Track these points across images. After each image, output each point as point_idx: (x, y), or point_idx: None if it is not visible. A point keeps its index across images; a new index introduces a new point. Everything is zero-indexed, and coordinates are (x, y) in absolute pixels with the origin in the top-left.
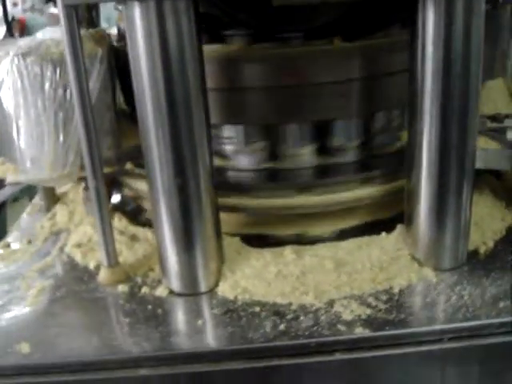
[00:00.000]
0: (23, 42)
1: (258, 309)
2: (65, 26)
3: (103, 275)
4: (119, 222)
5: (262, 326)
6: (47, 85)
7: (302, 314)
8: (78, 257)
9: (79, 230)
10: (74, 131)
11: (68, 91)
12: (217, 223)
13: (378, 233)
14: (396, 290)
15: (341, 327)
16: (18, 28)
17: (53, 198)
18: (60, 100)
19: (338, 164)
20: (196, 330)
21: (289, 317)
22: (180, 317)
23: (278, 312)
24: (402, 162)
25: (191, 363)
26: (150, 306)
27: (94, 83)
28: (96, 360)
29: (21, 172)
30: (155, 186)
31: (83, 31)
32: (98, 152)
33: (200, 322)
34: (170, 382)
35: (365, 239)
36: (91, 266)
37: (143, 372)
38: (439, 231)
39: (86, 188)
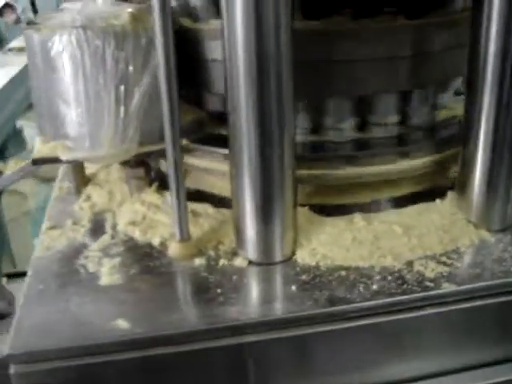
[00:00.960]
0: (79, 13)
1: (344, 273)
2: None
3: (176, 250)
4: None
5: (355, 288)
6: (109, 58)
7: (388, 274)
8: (136, 234)
9: (128, 208)
10: (135, 106)
11: (130, 65)
12: (295, 195)
13: (430, 200)
14: (463, 250)
15: (428, 284)
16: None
17: (83, 179)
18: (122, 74)
19: (384, 138)
20: (292, 295)
21: (377, 278)
22: (271, 284)
23: (364, 274)
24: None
25: (295, 327)
26: (235, 277)
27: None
28: (201, 329)
29: (76, 149)
30: (239, 160)
31: (145, 5)
32: (178, 125)
33: (293, 287)
34: (274, 347)
35: (422, 206)
36: (155, 242)
37: (248, 339)
38: (492, 196)
39: (133, 166)
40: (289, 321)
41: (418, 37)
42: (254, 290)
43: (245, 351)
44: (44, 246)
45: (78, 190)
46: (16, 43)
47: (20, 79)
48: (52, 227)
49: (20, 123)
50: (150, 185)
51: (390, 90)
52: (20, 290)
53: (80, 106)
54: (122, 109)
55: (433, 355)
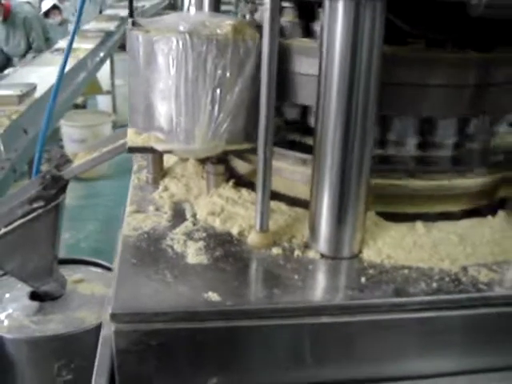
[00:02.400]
0: (184, 20)
1: (406, 271)
2: (270, 14)
3: (255, 239)
4: (249, 195)
5: (417, 284)
6: (209, 64)
7: (445, 275)
8: (216, 223)
9: (206, 200)
10: (227, 108)
11: (227, 72)
12: (367, 200)
13: (482, 216)
14: None
15: (482, 286)
16: (3, 12)
17: (161, 172)
18: (219, 79)
19: (443, 156)
20: (363, 286)
21: (436, 278)
22: (342, 275)
23: (424, 274)
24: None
25: (367, 312)
26: (310, 266)
27: (252, 65)
28: (287, 307)
29: (169, 142)
30: (322, 164)
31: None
32: (272, 127)
33: (363, 279)
34: (346, 329)
35: (476, 220)
36: (234, 231)
37: (324, 319)
38: None
39: (215, 162)
40: (360, 306)
41: (483, 69)
42: (328, 278)
43: (316, 331)
44: (131, 226)
45: (156, 181)
46: (62, 44)
47: (67, 80)
48: (136, 211)
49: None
50: (227, 181)
51: (453, 114)
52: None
53: (178, 103)
54: (216, 109)
55: (480, 352)
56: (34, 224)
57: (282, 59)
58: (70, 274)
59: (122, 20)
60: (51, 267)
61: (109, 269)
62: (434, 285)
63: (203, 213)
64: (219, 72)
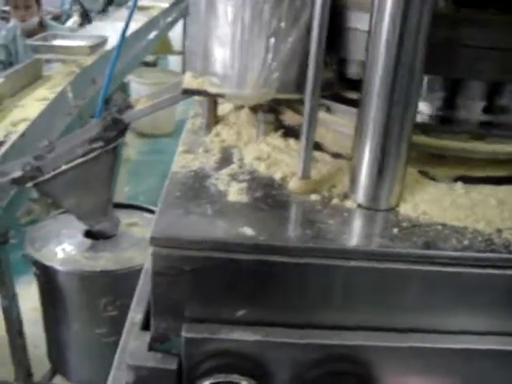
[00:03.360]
0: None
1: (440, 227)
2: None
3: (296, 185)
4: (296, 145)
5: (448, 239)
6: (266, 13)
7: (479, 235)
8: (261, 168)
9: (254, 147)
10: (280, 57)
11: (283, 21)
12: (408, 155)
13: None
14: None
15: None
16: None
17: (214, 118)
18: (274, 27)
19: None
20: (393, 236)
21: (469, 236)
22: (376, 224)
23: (458, 232)
24: None
25: (391, 261)
26: (345, 214)
27: (307, 16)
28: (316, 247)
29: (222, 86)
30: (366, 116)
31: None
32: (320, 76)
33: (395, 230)
34: (374, 275)
35: None
36: (277, 177)
37: (353, 263)
38: None
39: (265, 111)
40: (388, 254)
41: None
42: (361, 226)
43: (344, 274)
44: (179, 164)
45: (209, 127)
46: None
47: (137, 36)
48: (186, 151)
49: (128, 78)
50: (276, 130)
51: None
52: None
53: (234, 49)
54: (269, 57)
55: (501, 313)
56: (92, 163)
57: (334, 13)
58: (126, 217)
59: None
60: (106, 208)
61: None
62: (466, 242)
63: (250, 157)
64: (274, 21)
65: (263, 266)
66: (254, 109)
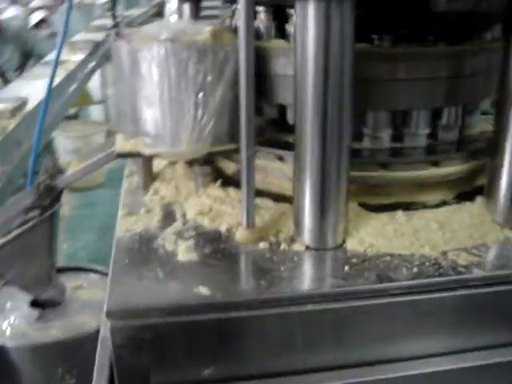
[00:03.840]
0: (165, 28)
1: (388, 258)
2: (244, 19)
3: (242, 235)
4: (236, 194)
5: (399, 270)
6: (191, 69)
7: (426, 261)
8: (205, 222)
9: (195, 201)
10: (210, 111)
11: (209, 76)
12: (347, 192)
13: (459, 203)
14: (490, 244)
15: (461, 269)
16: None
17: (150, 176)
18: (201, 83)
19: (413, 147)
20: (345, 274)
21: (416, 263)
22: (327, 264)
23: (406, 260)
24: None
25: (347, 299)
26: (295, 258)
27: (232, 68)
28: (273, 297)
29: (157, 146)
30: (303, 160)
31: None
32: (253, 127)
33: (346, 267)
34: (331, 315)
35: (454, 207)
36: (223, 229)
37: (310, 307)
38: None
39: (201, 164)
40: (344, 294)
41: (453, 61)
42: (313, 268)
43: (302, 318)
44: (123, 228)
45: (146, 185)
46: (52, 56)
47: (58, 92)
48: (128, 214)
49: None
50: (214, 181)
51: (426, 106)
52: None
53: (164, 108)
54: (199, 112)
55: (459, 333)
56: (30, 233)
57: (258, 61)
58: (70, 281)
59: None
60: (50, 274)
61: (107, 275)
62: (415, 270)
63: (192, 212)
64: (201, 76)
65: (223, 323)
66: (190, 162)
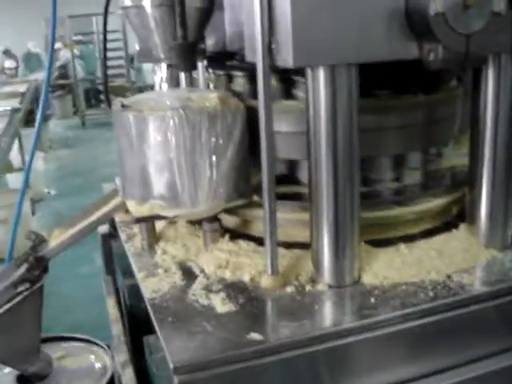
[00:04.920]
0: (176, 95)
1: (404, 287)
2: (263, 86)
3: (268, 282)
4: (248, 246)
5: (416, 296)
6: (204, 134)
7: (436, 284)
8: (227, 275)
9: (208, 256)
10: (223, 170)
11: (220, 138)
12: (358, 232)
13: (447, 231)
14: (484, 263)
15: (469, 288)
16: None
17: (154, 237)
18: (214, 146)
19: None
20: (372, 306)
21: (430, 287)
22: (353, 300)
23: (419, 286)
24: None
25: (383, 327)
26: (323, 297)
27: (239, 130)
28: (324, 333)
29: (177, 207)
30: (318, 208)
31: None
32: (273, 181)
33: (372, 299)
34: (369, 345)
35: (445, 235)
36: (245, 279)
37: (350, 339)
38: (496, 225)
39: (210, 220)
40: (378, 322)
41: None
42: (344, 304)
43: (350, 349)
44: (150, 290)
45: (151, 246)
46: None
47: None
48: (147, 276)
49: None
50: (222, 236)
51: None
52: None
53: (181, 171)
54: (214, 173)
55: (473, 344)
56: (20, 306)
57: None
58: (52, 351)
59: (23, 96)
60: (38, 347)
61: (88, 341)
62: (431, 294)
63: (211, 267)
64: (213, 140)
65: (277, 365)
66: (190, 220)
